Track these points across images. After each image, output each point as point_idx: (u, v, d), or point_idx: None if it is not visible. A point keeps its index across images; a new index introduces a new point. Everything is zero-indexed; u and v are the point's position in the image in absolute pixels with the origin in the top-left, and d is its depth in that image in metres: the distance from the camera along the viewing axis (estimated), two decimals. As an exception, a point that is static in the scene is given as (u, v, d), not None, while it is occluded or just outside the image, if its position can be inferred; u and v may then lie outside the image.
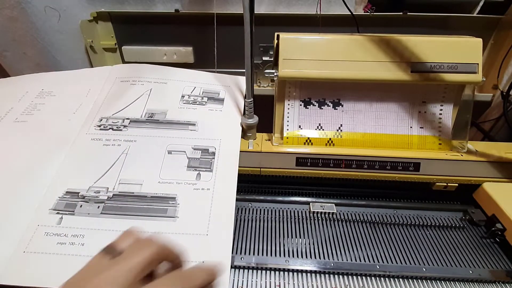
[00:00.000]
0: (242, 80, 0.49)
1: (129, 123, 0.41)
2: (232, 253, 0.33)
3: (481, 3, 0.59)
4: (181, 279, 0.21)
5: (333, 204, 0.40)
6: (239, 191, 0.36)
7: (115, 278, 0.19)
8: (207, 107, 0.44)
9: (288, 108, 0.43)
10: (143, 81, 0.47)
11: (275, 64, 0.41)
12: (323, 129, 0.43)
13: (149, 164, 0.37)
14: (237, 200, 0.35)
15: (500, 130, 0.60)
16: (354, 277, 0.33)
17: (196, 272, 0.22)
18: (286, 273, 0.33)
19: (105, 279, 0.19)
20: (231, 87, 0.48)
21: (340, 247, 0.35)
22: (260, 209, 0.41)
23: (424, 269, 0.33)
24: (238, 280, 0.32)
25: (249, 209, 0.41)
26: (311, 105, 0.43)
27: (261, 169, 0.41)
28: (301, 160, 0.41)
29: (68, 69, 0.61)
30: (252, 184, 0.44)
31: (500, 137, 0.59)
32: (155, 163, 0.38)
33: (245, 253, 0.34)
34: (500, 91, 0.59)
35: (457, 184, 0.41)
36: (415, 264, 0.34)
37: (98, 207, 0.33)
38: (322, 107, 0.43)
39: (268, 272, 0.33)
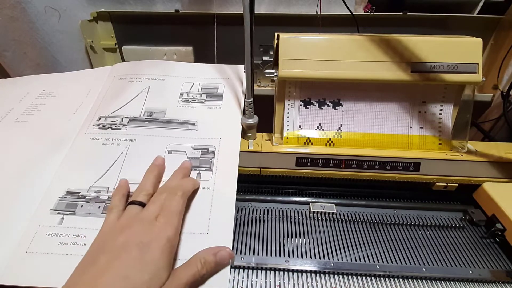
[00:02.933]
0: (241, 69, 0.49)
1: (128, 122, 0.41)
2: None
3: (481, 3, 0.59)
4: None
5: (333, 204, 0.40)
6: (239, 191, 0.36)
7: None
8: (206, 105, 0.44)
9: (288, 108, 0.43)
10: (141, 78, 0.47)
11: (275, 64, 0.41)
12: (323, 129, 0.43)
13: (149, 163, 0.37)
14: (237, 200, 0.35)
15: (500, 130, 0.60)
16: (354, 277, 0.33)
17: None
18: (286, 273, 0.33)
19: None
20: (230, 78, 0.48)
21: (340, 247, 0.35)
22: (260, 209, 0.41)
23: (424, 269, 0.33)
24: (238, 280, 0.32)
25: (249, 209, 0.41)
26: (311, 105, 0.43)
27: (261, 169, 0.41)
28: (301, 160, 0.41)
29: (68, 69, 0.61)
30: (252, 184, 0.44)
31: (500, 137, 0.59)
32: (155, 163, 0.38)
33: (245, 253, 0.34)
34: (500, 91, 0.59)
35: (457, 184, 0.41)
36: (415, 264, 0.34)
37: (99, 207, 0.34)
38: (322, 107, 0.43)
39: (268, 272, 0.33)
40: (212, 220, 0.33)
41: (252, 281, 0.32)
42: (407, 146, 0.42)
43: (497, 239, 0.37)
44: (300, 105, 0.43)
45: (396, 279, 0.32)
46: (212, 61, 0.56)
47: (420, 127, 0.42)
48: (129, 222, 0.28)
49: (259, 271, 0.33)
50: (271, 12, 0.63)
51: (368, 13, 0.61)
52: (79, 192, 0.35)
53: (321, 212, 0.40)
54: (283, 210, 0.41)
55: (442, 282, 0.32)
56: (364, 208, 0.41)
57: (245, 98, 0.40)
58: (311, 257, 0.34)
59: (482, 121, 0.62)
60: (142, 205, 0.30)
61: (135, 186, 0.35)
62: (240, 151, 0.40)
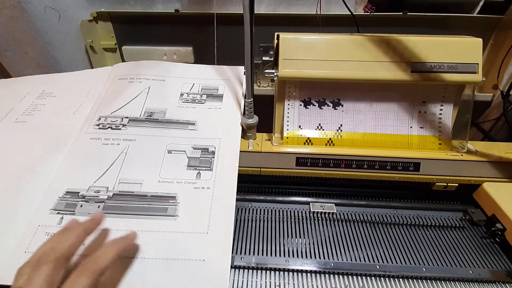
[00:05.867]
0: (241, 71, 0.49)
1: (128, 122, 0.41)
2: (232, 253, 0.33)
3: (481, 3, 0.59)
4: (87, 266, 0.24)
5: (333, 204, 0.40)
6: (239, 191, 0.36)
7: None
8: (206, 105, 0.44)
9: (288, 108, 0.43)
10: (141, 78, 0.47)
11: (275, 64, 0.41)
12: (323, 129, 0.43)
13: (149, 163, 0.37)
14: (237, 200, 0.35)
15: (500, 130, 0.60)
16: (354, 277, 0.33)
17: (101, 254, 0.25)
18: (286, 273, 0.33)
19: None
20: (230, 80, 0.48)
21: (340, 247, 0.35)
22: (260, 209, 0.41)
23: (424, 269, 0.33)
24: (238, 280, 0.32)
25: (249, 209, 0.41)
26: (311, 105, 0.43)
27: (261, 169, 0.41)
28: (301, 160, 0.41)
29: (68, 69, 0.61)
30: (252, 184, 0.44)
31: (500, 137, 0.59)
32: (155, 162, 0.38)
33: (245, 253, 0.34)
34: (500, 91, 0.59)
35: (457, 184, 0.41)
36: (415, 264, 0.34)
37: (99, 206, 0.34)
38: (322, 107, 0.43)
39: (268, 272, 0.33)
40: (212, 220, 0.33)
41: (252, 281, 0.32)
42: (407, 146, 0.42)
43: (497, 239, 0.37)
44: (300, 105, 0.43)
45: (396, 279, 0.32)
46: (212, 61, 0.56)
47: (420, 127, 0.42)
48: None
49: (259, 271, 0.33)
50: (271, 12, 0.63)
51: (368, 13, 0.60)
52: (79, 192, 0.35)
53: (321, 212, 0.40)
54: (283, 210, 0.41)
55: (442, 282, 0.32)
56: (364, 208, 0.41)
57: (245, 98, 0.40)
58: (311, 257, 0.34)
59: (482, 121, 0.62)
60: None
61: (134, 185, 0.35)
62: (240, 151, 0.40)
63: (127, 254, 0.29)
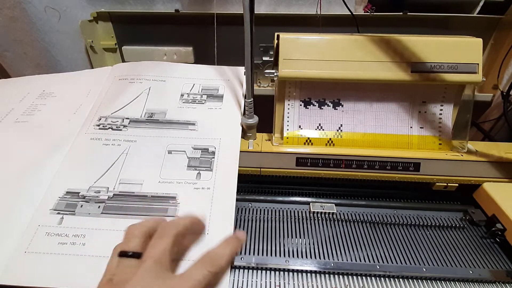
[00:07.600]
0: (242, 71, 0.49)
1: (129, 123, 0.41)
2: (232, 253, 0.33)
3: (481, 3, 0.59)
4: (208, 263, 0.24)
5: (333, 204, 0.40)
6: (239, 191, 0.36)
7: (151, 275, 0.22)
8: (206, 105, 0.44)
9: (288, 108, 0.43)
10: (142, 79, 0.47)
11: (275, 64, 0.41)
12: (323, 129, 0.43)
13: (149, 164, 0.38)
14: (237, 200, 0.35)
15: (500, 130, 0.60)
16: (354, 277, 0.33)
17: (219, 251, 0.26)
18: (286, 273, 0.33)
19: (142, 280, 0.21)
20: (230, 80, 0.48)
21: (340, 247, 0.35)
22: (260, 209, 0.41)
23: (424, 269, 0.33)
24: (238, 280, 0.32)
25: (249, 209, 0.41)
26: (311, 105, 0.43)
27: (261, 169, 0.41)
28: (301, 160, 0.41)
29: (68, 69, 0.61)
30: (252, 184, 0.44)
31: (500, 137, 0.59)
32: (155, 163, 0.38)
33: (245, 253, 0.34)
34: (500, 91, 0.59)
35: (457, 184, 0.41)
36: (415, 264, 0.34)
37: (99, 207, 0.34)
38: (322, 107, 0.43)
39: (268, 272, 0.33)
40: (212, 220, 0.33)
41: (252, 281, 0.32)
42: (407, 146, 0.42)
43: (497, 239, 0.37)
44: (300, 105, 0.43)
45: (396, 279, 0.32)
46: (212, 61, 0.56)
47: (420, 127, 0.42)
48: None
49: (259, 271, 0.33)
50: (271, 12, 0.63)
51: (368, 13, 0.61)
52: (79, 192, 0.35)
53: (321, 212, 0.40)
54: (283, 210, 0.41)
55: (442, 282, 0.32)
56: (364, 208, 0.41)
57: (245, 98, 0.40)
58: (311, 257, 0.34)
59: (482, 121, 0.62)
60: (136, 255, 0.23)
61: (134, 186, 0.36)
62: (240, 151, 0.40)
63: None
